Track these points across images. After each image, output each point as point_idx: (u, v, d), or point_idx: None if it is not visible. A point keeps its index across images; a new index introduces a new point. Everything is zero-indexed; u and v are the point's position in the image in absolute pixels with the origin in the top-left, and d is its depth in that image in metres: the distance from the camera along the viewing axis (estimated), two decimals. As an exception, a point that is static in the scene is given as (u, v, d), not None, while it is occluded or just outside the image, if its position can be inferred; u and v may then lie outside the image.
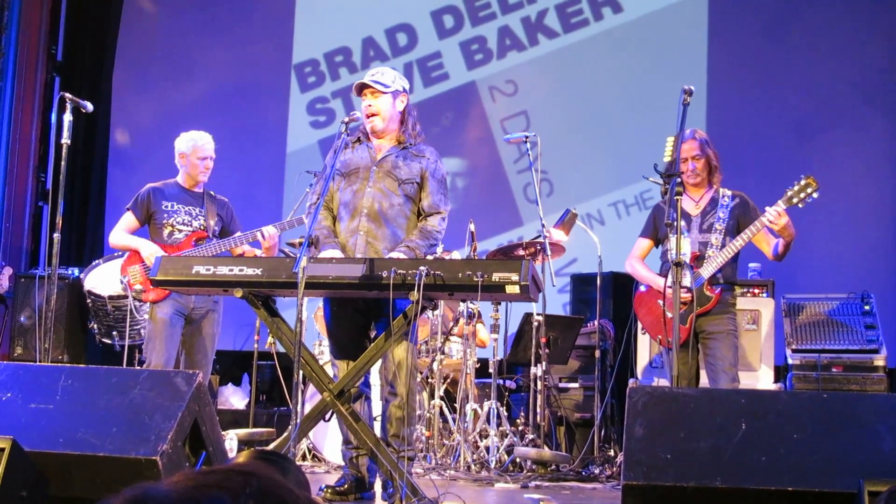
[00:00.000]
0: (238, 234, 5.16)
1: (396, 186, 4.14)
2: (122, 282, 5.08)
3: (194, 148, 5.17)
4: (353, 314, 4.14)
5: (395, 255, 3.97)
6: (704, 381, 4.71)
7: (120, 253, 5.29)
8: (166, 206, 5.13)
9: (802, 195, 4.43)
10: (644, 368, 5.68)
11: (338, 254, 4.03)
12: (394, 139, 4.22)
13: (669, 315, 4.27)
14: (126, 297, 5.11)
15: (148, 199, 5.14)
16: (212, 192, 5.30)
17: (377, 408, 4.42)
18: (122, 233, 5.16)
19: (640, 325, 5.56)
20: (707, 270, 4.52)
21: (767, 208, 4.44)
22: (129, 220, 5.17)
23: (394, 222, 4.12)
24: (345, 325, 4.17)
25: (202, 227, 5.16)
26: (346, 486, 4.08)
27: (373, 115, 4.15)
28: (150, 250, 5.00)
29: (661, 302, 4.34)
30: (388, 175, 4.14)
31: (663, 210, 4.66)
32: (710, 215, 4.63)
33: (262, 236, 5.04)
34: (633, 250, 4.85)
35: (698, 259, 4.56)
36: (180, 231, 5.10)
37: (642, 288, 4.79)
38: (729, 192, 4.70)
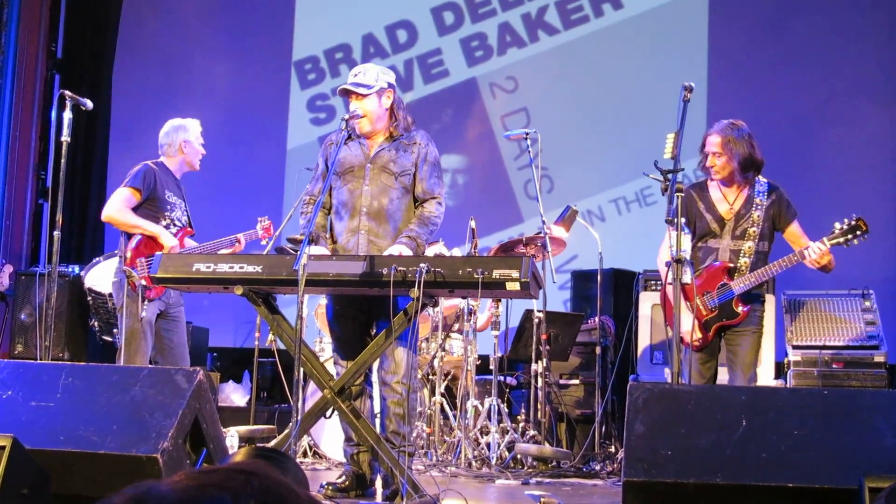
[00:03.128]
0: (218, 239, 5.10)
1: (393, 181, 4.13)
2: (126, 272, 4.78)
3: (198, 133, 5.12)
4: (357, 313, 4.14)
5: (396, 246, 3.97)
6: (721, 381, 4.65)
7: (120, 251, 5.22)
8: (168, 197, 4.99)
9: (850, 236, 4.26)
10: (645, 365, 5.68)
11: (323, 253, 4.02)
12: (385, 134, 4.21)
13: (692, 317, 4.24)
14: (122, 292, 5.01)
15: (155, 183, 4.93)
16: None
17: (379, 404, 4.42)
18: (130, 212, 4.86)
19: (640, 321, 5.57)
20: (738, 287, 4.37)
21: (811, 244, 4.31)
22: (132, 198, 4.88)
23: (395, 218, 4.12)
24: (348, 324, 4.17)
25: (188, 224, 5.09)
26: (347, 482, 4.09)
27: (359, 117, 4.11)
28: (173, 242, 4.85)
29: (686, 304, 4.11)
30: (383, 171, 4.13)
31: (692, 197, 4.49)
32: (744, 220, 4.43)
33: (237, 242, 5.05)
34: (666, 239, 4.67)
35: (730, 271, 4.40)
36: (175, 226, 5.00)
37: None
38: (765, 183, 4.48)
